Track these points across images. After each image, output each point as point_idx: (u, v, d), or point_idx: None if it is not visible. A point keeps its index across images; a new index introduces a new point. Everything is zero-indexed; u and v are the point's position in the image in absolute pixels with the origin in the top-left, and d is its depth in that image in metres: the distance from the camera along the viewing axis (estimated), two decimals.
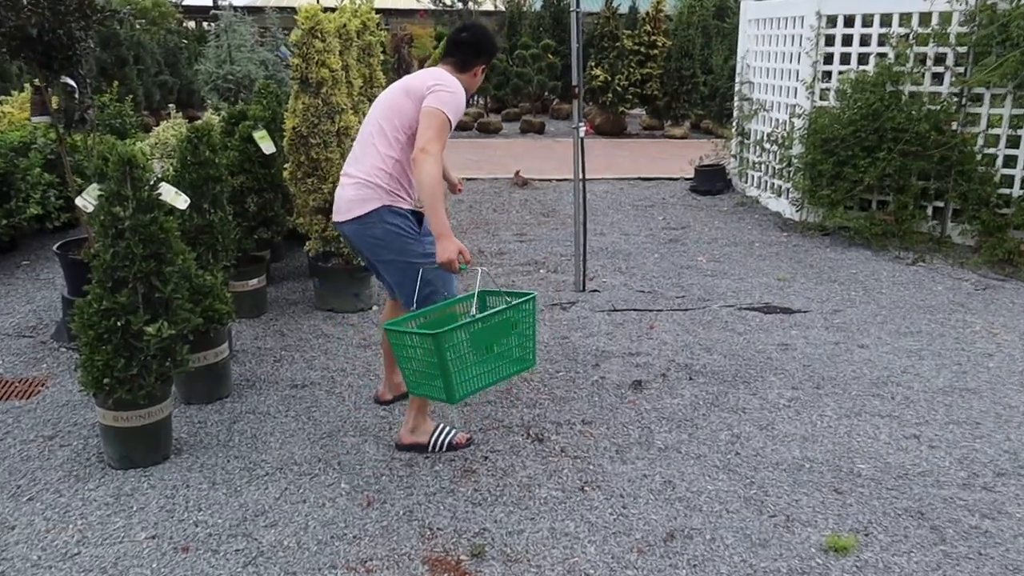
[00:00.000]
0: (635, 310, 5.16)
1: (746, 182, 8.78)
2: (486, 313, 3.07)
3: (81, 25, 4.28)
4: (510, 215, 7.90)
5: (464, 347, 2.93)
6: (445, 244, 3.04)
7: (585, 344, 4.57)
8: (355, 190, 3.26)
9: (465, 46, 3.39)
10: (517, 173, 9.50)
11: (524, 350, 3.13)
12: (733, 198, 8.60)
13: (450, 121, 3.13)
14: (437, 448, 3.41)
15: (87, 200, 3.55)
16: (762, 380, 4.10)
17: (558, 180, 9.66)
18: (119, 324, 3.09)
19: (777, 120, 8.01)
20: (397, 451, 3.41)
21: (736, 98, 8.93)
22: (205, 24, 24.42)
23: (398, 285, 3.30)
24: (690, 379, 4.11)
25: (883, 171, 6.50)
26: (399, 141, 3.22)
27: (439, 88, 3.17)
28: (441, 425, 3.47)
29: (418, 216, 3.32)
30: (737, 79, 8.91)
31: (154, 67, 15.54)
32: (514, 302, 3.10)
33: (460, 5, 20.40)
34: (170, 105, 7.94)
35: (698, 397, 3.91)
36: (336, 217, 3.34)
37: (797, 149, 7.37)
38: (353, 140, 4.85)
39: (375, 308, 5.14)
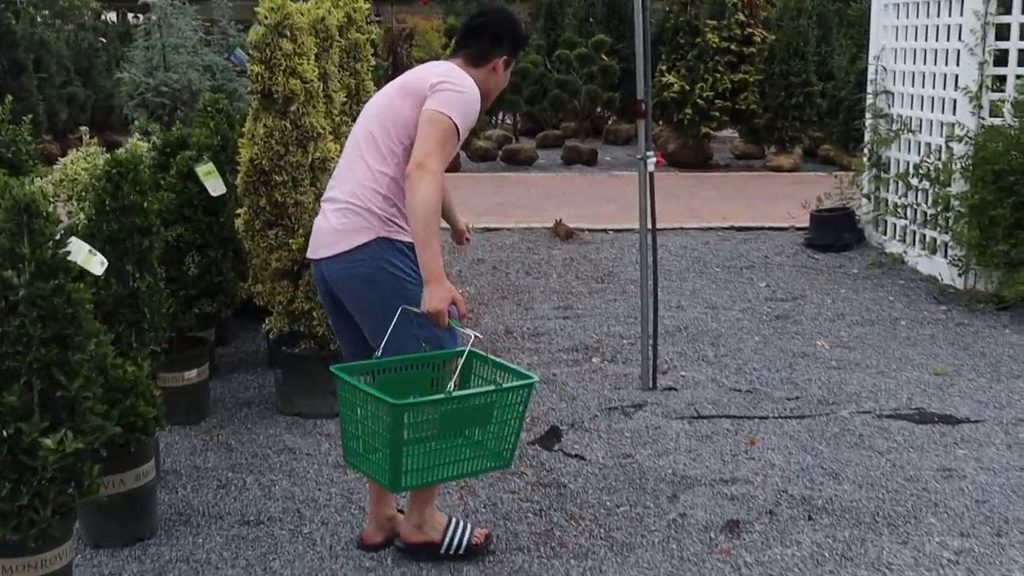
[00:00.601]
0: (728, 417, 5.13)
1: (885, 233, 8.79)
2: (465, 392, 3.25)
3: None
4: (549, 280, 7.95)
5: (428, 428, 3.13)
6: (435, 290, 3.26)
7: (657, 466, 4.54)
8: (340, 218, 3.45)
9: (481, 32, 3.61)
10: (558, 222, 9.60)
11: (502, 443, 3.33)
12: (866, 256, 8.59)
13: (458, 129, 3.35)
14: (453, 549, 3.63)
15: None
16: (915, 522, 4.03)
17: (616, 231, 9.74)
18: (6, 434, 3.12)
19: (928, 145, 8.05)
20: (400, 554, 3.68)
21: (868, 114, 9.01)
22: (131, 16, 25.26)
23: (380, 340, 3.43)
24: (809, 519, 4.05)
25: None
26: (395, 154, 3.41)
27: (445, 86, 3.38)
28: (454, 520, 3.70)
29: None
30: (869, 88, 9.01)
31: (61, 75, 16.07)
32: (505, 385, 3.27)
33: None
34: (81, 127, 8.15)
35: (822, 546, 3.84)
36: (313, 253, 3.55)
37: (959, 186, 7.38)
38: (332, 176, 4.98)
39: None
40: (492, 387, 3.27)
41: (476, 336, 3.31)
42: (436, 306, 3.26)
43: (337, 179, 3.56)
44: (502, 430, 3.30)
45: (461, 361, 3.29)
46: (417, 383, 3.39)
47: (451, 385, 3.19)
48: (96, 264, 3.56)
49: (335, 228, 3.45)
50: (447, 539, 3.64)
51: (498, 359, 3.48)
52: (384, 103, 3.52)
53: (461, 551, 3.64)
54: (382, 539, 3.82)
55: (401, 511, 3.83)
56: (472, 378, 3.46)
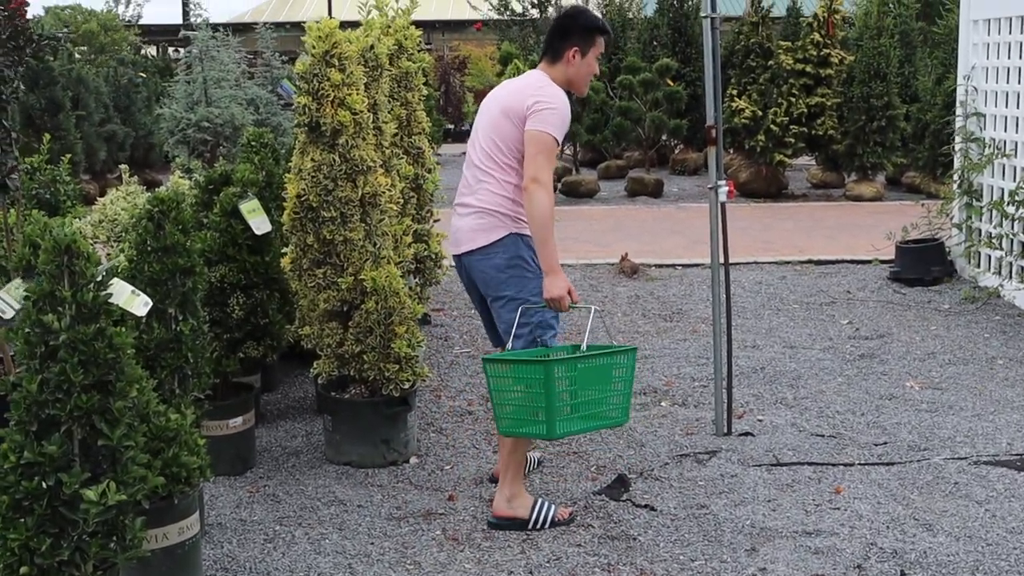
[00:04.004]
0: (810, 464, 5.08)
1: (978, 265, 8.67)
2: (594, 353, 4.26)
3: (11, 60, 4.59)
4: (614, 319, 7.95)
5: (569, 383, 4.13)
6: (555, 280, 4.29)
7: (734, 517, 4.51)
8: (476, 219, 4.49)
9: (552, 33, 4.56)
10: (624, 257, 9.61)
11: (620, 402, 4.29)
12: (958, 290, 8.49)
13: (557, 141, 4.38)
14: (539, 524, 4.41)
15: (6, 303, 3.73)
16: None
17: (685, 266, 9.72)
18: (46, 485, 3.18)
19: None
20: (490, 527, 4.42)
21: (958, 138, 8.93)
22: (171, 50, 25.85)
23: (508, 331, 4.41)
24: (902, 574, 3.99)
25: None
26: (512, 167, 4.44)
27: (540, 106, 4.35)
28: (540, 500, 4.50)
29: None
30: (959, 110, 8.93)
31: (99, 113, 16.46)
32: (617, 348, 4.38)
33: (536, 12, 21.14)
34: (121, 166, 8.34)
35: None
36: (455, 249, 4.59)
37: None
38: (382, 211, 5.08)
39: (414, 460, 5.19)
40: (609, 348, 4.34)
41: (598, 309, 4.38)
42: (556, 293, 4.27)
43: (467, 187, 4.57)
44: (621, 389, 4.25)
45: (589, 324, 4.47)
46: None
47: (583, 345, 4.26)
48: (139, 305, 3.63)
49: (474, 227, 4.48)
50: (534, 515, 4.42)
51: (599, 344, 4.63)
52: (492, 124, 4.49)
53: (547, 526, 4.40)
54: None
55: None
56: None
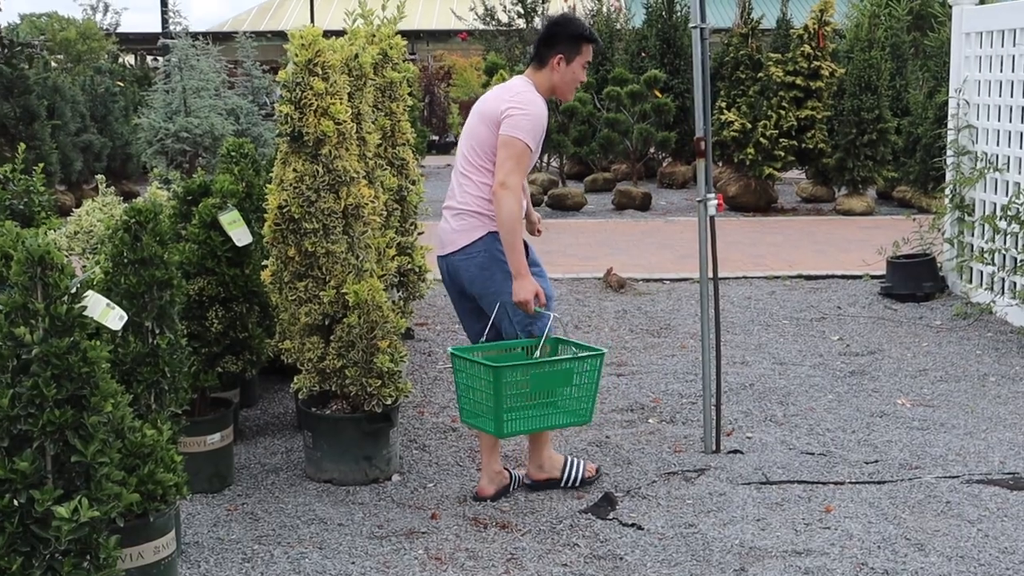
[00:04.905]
0: (800, 482, 5.08)
1: (970, 281, 8.71)
2: (550, 359, 4.59)
3: None
4: (600, 334, 7.94)
5: (522, 387, 4.43)
6: (522, 283, 4.53)
7: (722, 537, 4.50)
8: (459, 220, 4.70)
9: (539, 41, 4.73)
10: (610, 271, 9.61)
11: (580, 403, 4.61)
12: (950, 306, 8.52)
13: (529, 147, 4.53)
14: (571, 482, 4.90)
15: None
16: None
17: (673, 280, 9.73)
18: (17, 503, 3.15)
19: (1018, 185, 7.99)
20: (528, 488, 4.89)
21: (949, 151, 8.97)
22: (150, 59, 25.83)
23: (504, 326, 4.69)
24: None
25: None
26: (488, 170, 4.62)
27: (513, 111, 4.53)
28: (569, 459, 4.97)
29: (525, 244, 4.64)
30: (950, 123, 8.98)
31: (75, 122, 16.41)
32: (580, 354, 4.60)
33: (522, 22, 21.20)
34: (97, 176, 8.31)
35: None
36: (440, 251, 4.81)
37: None
38: (365, 223, 5.10)
39: (396, 477, 5.17)
40: (568, 356, 4.59)
41: (557, 316, 4.69)
42: (523, 296, 4.50)
43: (452, 192, 4.76)
44: (581, 392, 4.57)
45: (545, 337, 4.59)
46: (517, 360, 4.60)
47: (537, 353, 4.59)
48: (114, 319, 3.60)
49: (455, 229, 4.69)
50: (565, 474, 4.90)
51: (577, 341, 4.89)
52: (471, 129, 4.69)
53: (578, 484, 4.89)
54: (494, 491, 4.84)
55: (507, 468, 4.96)
56: (559, 354, 4.70)
